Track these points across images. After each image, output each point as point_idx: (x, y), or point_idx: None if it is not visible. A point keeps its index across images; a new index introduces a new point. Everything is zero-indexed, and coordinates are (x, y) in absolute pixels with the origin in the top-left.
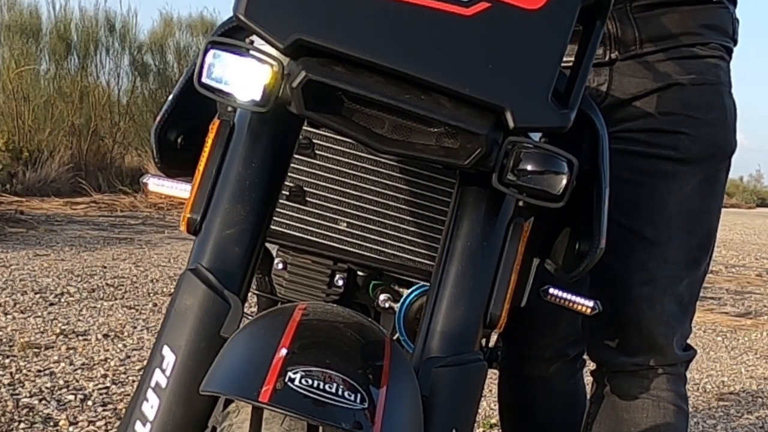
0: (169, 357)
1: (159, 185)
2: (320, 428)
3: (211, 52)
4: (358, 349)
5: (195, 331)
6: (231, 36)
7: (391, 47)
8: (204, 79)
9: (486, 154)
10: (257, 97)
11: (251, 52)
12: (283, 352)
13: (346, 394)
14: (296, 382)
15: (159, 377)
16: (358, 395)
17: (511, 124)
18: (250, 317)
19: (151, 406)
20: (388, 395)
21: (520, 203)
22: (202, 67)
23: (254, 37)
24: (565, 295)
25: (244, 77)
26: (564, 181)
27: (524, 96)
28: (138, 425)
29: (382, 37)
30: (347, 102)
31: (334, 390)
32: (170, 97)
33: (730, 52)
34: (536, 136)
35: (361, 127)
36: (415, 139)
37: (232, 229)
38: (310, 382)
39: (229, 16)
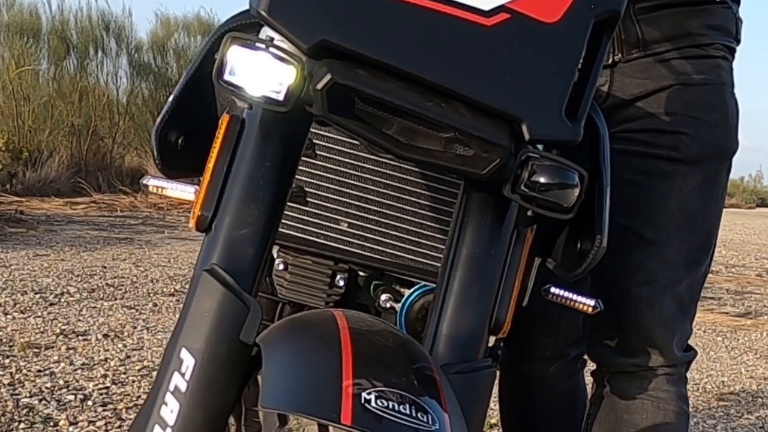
0: (188, 360)
1: (159, 186)
2: None
3: (234, 48)
4: (410, 365)
5: (214, 334)
6: (245, 31)
7: (414, 54)
8: (226, 77)
9: (504, 165)
10: (281, 96)
11: (272, 50)
12: (349, 369)
13: (419, 415)
14: (372, 404)
15: (178, 381)
16: (429, 416)
17: (526, 135)
18: None
19: (170, 410)
20: (449, 414)
21: (528, 212)
22: (223, 63)
23: (272, 34)
24: (566, 294)
25: (266, 75)
26: (576, 194)
27: (540, 108)
28: (157, 429)
29: (406, 43)
30: (359, 103)
31: (407, 411)
32: (171, 98)
33: (733, 51)
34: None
35: (380, 131)
36: (422, 143)
37: (246, 229)
38: (385, 403)
39: (238, 11)
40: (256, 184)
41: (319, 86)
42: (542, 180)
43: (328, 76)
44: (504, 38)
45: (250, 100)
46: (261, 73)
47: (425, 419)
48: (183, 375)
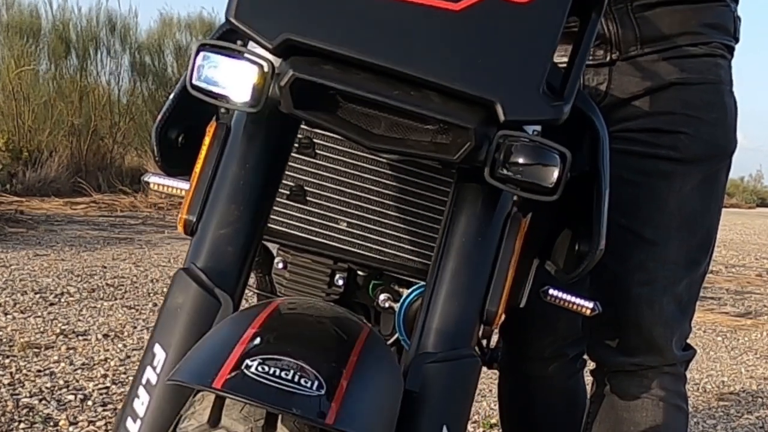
0: (159, 355)
1: (160, 183)
2: (280, 416)
3: (202, 54)
4: (327, 339)
5: (185, 329)
6: (227, 39)
7: (380, 44)
8: (195, 82)
9: (475, 148)
10: (247, 97)
11: (237, 52)
12: (246, 340)
13: (302, 381)
14: (252, 369)
15: (150, 374)
16: (315, 382)
17: (501, 117)
18: None
19: (141, 402)
20: (351, 384)
21: (514, 198)
22: (193, 69)
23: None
24: (564, 296)
25: (235, 78)
26: (555, 173)
27: (514, 89)
28: (129, 422)
29: (371, 34)
30: (342, 102)
31: (290, 377)
32: (171, 97)
33: (731, 50)
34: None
35: (351, 124)
36: (411, 137)
37: (225, 229)
38: (266, 369)
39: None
40: (237, 185)
41: (282, 83)
42: (520, 160)
43: (290, 73)
44: (473, 22)
45: (221, 103)
46: (228, 76)
47: (308, 384)
48: (155, 369)
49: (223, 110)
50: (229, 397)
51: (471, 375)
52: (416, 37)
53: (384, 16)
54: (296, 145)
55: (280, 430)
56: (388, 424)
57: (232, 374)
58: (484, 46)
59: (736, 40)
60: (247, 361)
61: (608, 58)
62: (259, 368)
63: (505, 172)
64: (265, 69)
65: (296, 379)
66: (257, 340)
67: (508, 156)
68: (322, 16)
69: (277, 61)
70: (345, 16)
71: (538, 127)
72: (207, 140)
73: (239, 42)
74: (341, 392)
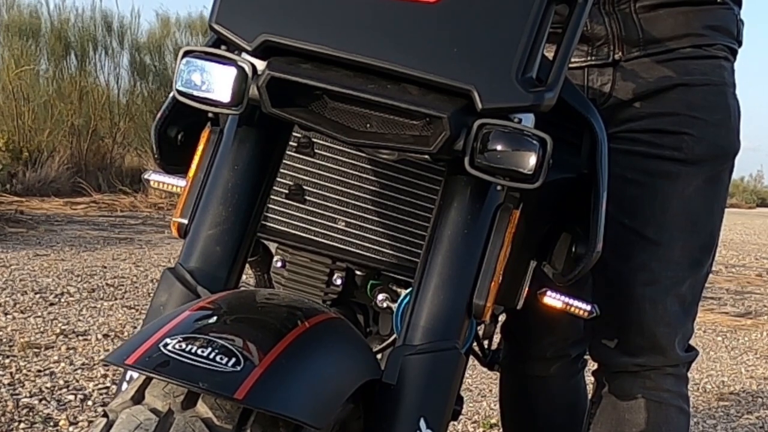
0: None
1: (160, 181)
2: (202, 393)
3: (185, 60)
4: (263, 322)
5: None
6: (219, 45)
7: (358, 40)
8: (180, 87)
9: (451, 138)
10: (227, 98)
11: (221, 56)
12: (178, 322)
13: (218, 357)
14: (169, 347)
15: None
16: (233, 359)
17: (478, 105)
18: None
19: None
20: (275, 363)
21: (498, 188)
22: (178, 75)
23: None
24: (562, 298)
25: (216, 81)
26: (533, 159)
27: (490, 76)
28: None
29: (349, 31)
30: (330, 102)
31: (206, 354)
32: (170, 95)
33: (734, 53)
34: (528, 120)
35: (329, 121)
36: (391, 131)
37: (213, 230)
38: (183, 346)
39: None
40: (226, 187)
41: (260, 83)
42: (497, 147)
43: (266, 72)
44: (450, 13)
45: (204, 106)
46: (209, 79)
47: (223, 361)
48: None
49: (211, 115)
50: (135, 371)
51: (451, 367)
52: (393, 31)
53: (362, 13)
54: (295, 144)
55: (200, 407)
56: (323, 407)
57: (148, 352)
58: (461, 36)
59: (739, 44)
60: (167, 340)
61: (611, 58)
62: (177, 346)
63: (483, 161)
64: (246, 70)
65: (212, 356)
66: (188, 321)
67: (486, 144)
68: (300, 16)
69: (259, 63)
70: (322, 14)
71: (531, 118)
72: (201, 146)
73: (224, 47)
74: (261, 370)
